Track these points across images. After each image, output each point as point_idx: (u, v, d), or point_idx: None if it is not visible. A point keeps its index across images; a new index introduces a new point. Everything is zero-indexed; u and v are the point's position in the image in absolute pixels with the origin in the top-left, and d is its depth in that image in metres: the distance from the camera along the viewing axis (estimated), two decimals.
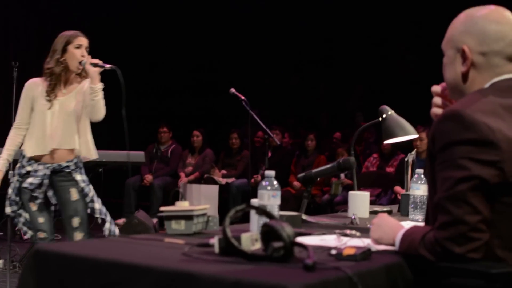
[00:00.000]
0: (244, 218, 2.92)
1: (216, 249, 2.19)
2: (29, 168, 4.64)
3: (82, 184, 4.68)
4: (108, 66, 4.60)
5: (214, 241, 2.21)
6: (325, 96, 12.28)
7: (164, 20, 12.28)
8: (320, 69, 11.95)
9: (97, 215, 4.71)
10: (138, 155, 6.97)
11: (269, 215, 2.35)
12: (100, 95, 4.58)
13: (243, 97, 5.69)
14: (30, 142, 4.65)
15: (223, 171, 10.15)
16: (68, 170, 4.66)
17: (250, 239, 2.22)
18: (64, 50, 4.61)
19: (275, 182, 2.58)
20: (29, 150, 4.63)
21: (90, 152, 4.76)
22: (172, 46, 12.26)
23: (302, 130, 11.36)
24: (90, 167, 6.52)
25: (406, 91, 10.53)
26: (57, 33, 4.78)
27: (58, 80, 4.65)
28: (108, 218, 4.75)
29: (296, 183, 9.53)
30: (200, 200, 9.09)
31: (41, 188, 4.64)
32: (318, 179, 3.71)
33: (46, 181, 4.63)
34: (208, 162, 10.18)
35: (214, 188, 9.39)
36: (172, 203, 3.00)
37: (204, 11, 11.92)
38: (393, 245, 2.37)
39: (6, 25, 11.71)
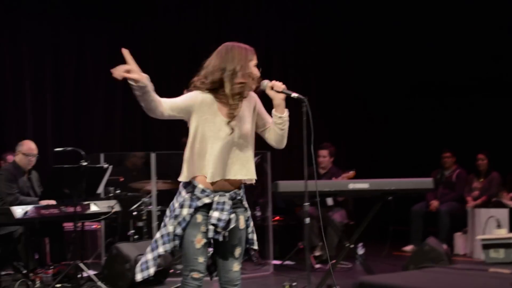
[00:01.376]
0: None
1: None
2: (206, 200, 3.91)
3: (248, 213, 4.08)
4: (295, 94, 4.04)
5: None
6: None
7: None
8: None
9: (255, 247, 4.11)
10: (426, 182, 6.88)
11: None
12: (287, 125, 4.07)
13: None
14: (207, 168, 3.91)
15: None
16: (239, 197, 4.04)
17: None
18: (247, 67, 3.94)
19: None
20: (209, 175, 3.90)
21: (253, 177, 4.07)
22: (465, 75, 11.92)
23: None
24: (379, 196, 6.60)
25: None
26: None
27: (241, 101, 4.00)
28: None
29: None
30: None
31: (228, 226, 3.92)
32: None
33: (232, 217, 3.95)
34: (495, 185, 9.97)
35: (504, 212, 9.10)
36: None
37: None
38: None
39: None
